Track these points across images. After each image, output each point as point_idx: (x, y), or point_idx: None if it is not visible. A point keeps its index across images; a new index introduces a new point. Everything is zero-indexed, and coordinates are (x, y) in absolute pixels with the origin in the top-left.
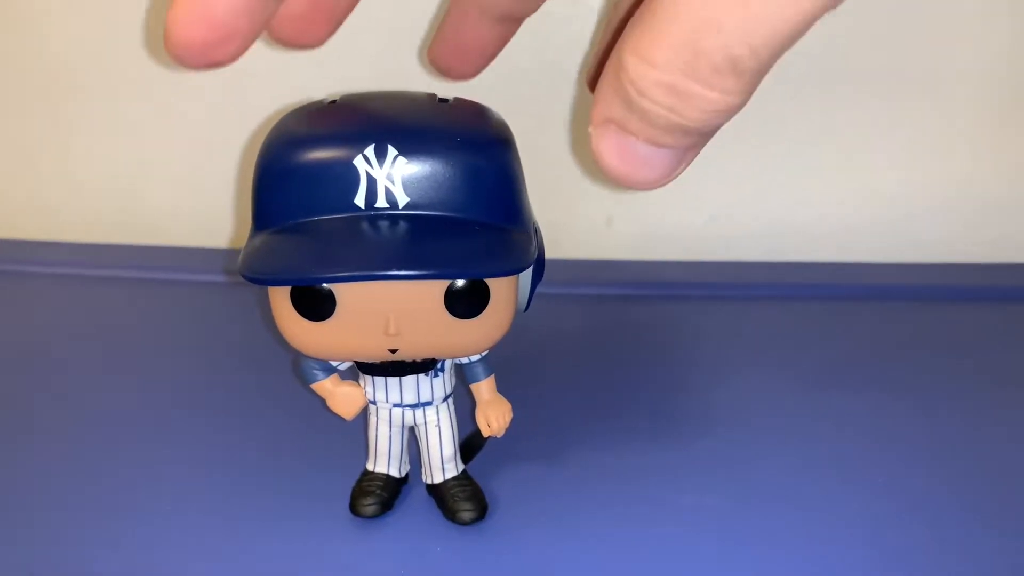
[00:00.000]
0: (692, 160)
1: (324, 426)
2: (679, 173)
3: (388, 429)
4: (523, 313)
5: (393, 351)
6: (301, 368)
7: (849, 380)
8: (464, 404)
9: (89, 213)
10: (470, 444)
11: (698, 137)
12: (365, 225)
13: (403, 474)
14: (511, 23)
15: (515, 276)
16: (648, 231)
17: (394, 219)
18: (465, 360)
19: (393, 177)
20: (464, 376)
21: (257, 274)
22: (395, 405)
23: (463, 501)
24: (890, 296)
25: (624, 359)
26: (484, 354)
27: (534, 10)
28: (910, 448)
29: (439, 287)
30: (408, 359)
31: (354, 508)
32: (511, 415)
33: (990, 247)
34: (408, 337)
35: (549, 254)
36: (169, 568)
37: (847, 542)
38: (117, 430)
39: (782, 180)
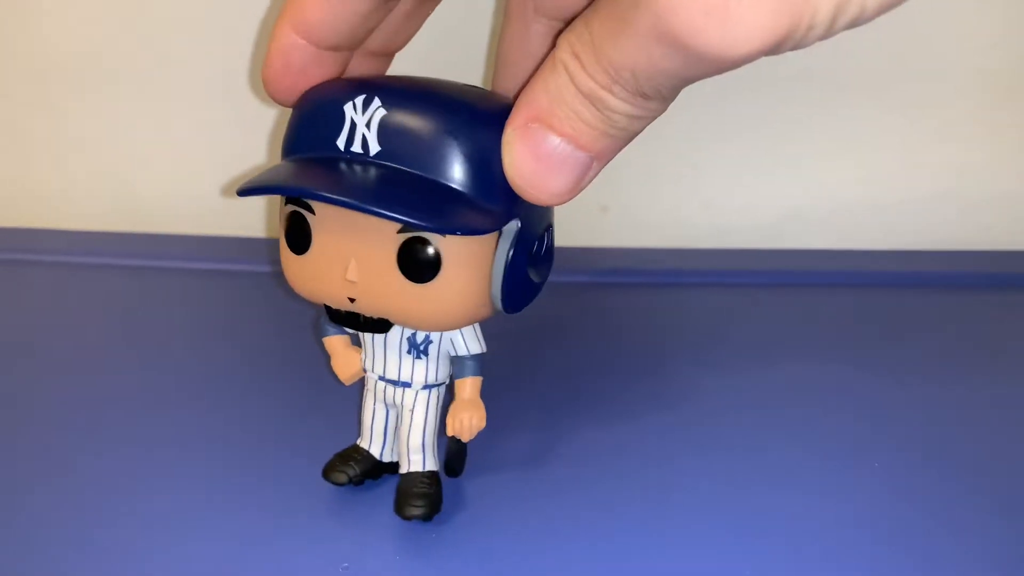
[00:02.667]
0: (591, 180)
1: (324, 414)
2: (580, 189)
3: (373, 402)
4: (507, 315)
5: (352, 300)
6: (320, 322)
7: (846, 367)
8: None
9: (85, 201)
10: (451, 453)
11: (611, 142)
12: (338, 164)
13: (387, 459)
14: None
15: (481, 258)
16: (642, 219)
17: (364, 164)
18: (455, 351)
19: (371, 125)
20: (454, 369)
21: (239, 188)
22: (380, 378)
23: (415, 497)
24: (886, 283)
25: (617, 346)
26: (476, 352)
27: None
28: (907, 433)
29: (393, 241)
30: (365, 313)
31: (325, 471)
32: (483, 424)
33: (986, 234)
34: (364, 287)
35: None
36: (166, 556)
37: (845, 528)
38: (113, 418)
39: (776, 168)
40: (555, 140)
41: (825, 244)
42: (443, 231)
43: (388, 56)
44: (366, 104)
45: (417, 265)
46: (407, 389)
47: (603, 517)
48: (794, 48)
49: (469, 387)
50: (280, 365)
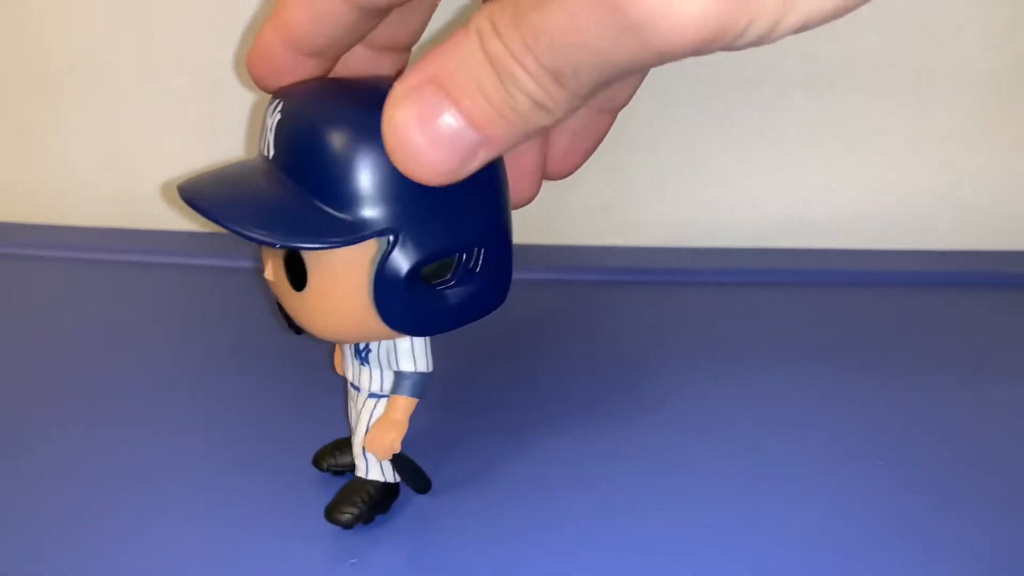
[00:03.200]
0: (473, 169)
1: (330, 409)
2: (458, 174)
3: (346, 399)
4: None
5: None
6: None
7: (844, 366)
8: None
9: (85, 197)
10: (396, 468)
11: (507, 128)
12: (246, 167)
13: None
14: (610, 114)
15: (357, 270)
16: (642, 218)
17: (264, 168)
18: (395, 365)
19: (270, 128)
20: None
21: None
22: (345, 378)
23: (344, 503)
24: (887, 283)
25: (617, 345)
26: (410, 371)
27: (629, 100)
28: (909, 433)
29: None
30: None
31: (315, 458)
32: (397, 447)
33: (988, 234)
34: (275, 287)
35: (544, 239)
36: (171, 550)
37: (845, 529)
38: (112, 412)
39: (777, 167)
40: (448, 109)
41: (826, 244)
42: (267, 243)
43: (400, 51)
44: (274, 108)
45: (291, 272)
46: (358, 393)
47: (607, 514)
48: (727, 48)
49: (396, 406)
50: (284, 360)
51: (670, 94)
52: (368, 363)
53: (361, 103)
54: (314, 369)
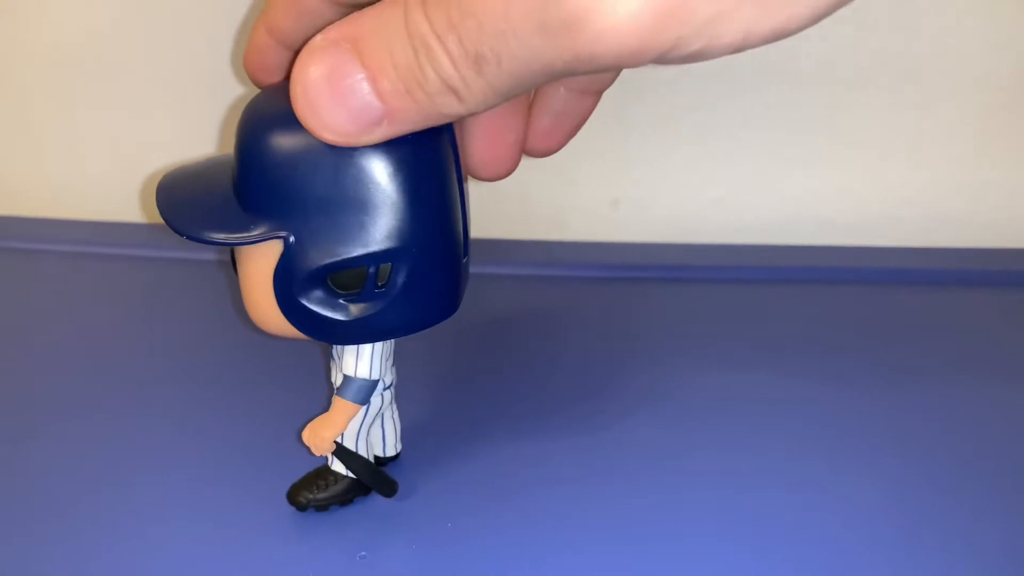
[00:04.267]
0: (373, 140)
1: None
2: (355, 139)
3: None
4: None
5: None
6: None
7: (855, 364)
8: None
9: (95, 191)
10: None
11: (410, 105)
12: (219, 165)
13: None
14: (593, 96)
15: (266, 268)
16: (654, 213)
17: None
18: (341, 367)
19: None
20: None
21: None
22: None
23: (304, 487)
24: (897, 280)
25: (627, 340)
26: (350, 374)
27: (612, 82)
28: (917, 432)
29: None
30: None
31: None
32: (324, 449)
33: (996, 231)
34: None
35: (556, 236)
36: (179, 542)
37: (848, 527)
38: (120, 405)
39: (788, 164)
40: (357, 71)
41: (834, 241)
42: (176, 231)
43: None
44: None
45: (234, 265)
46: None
47: (612, 508)
48: (661, 62)
49: (335, 406)
50: (291, 355)
51: (678, 91)
52: (335, 361)
53: (276, 108)
54: (325, 359)
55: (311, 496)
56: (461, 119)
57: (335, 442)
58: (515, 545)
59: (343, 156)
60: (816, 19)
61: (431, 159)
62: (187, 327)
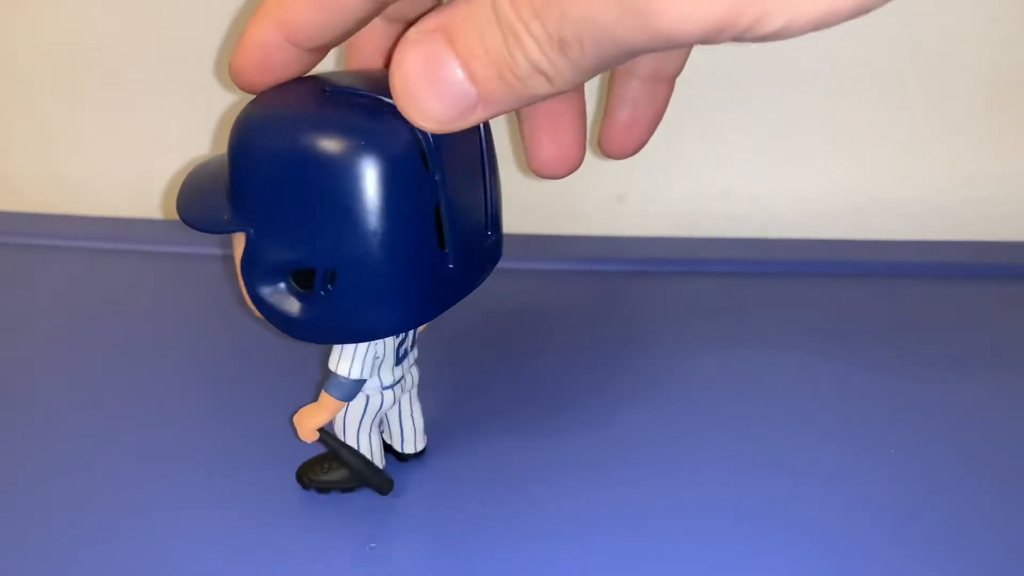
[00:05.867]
0: (471, 123)
1: None
2: (456, 124)
3: None
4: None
5: None
6: None
7: (860, 355)
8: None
9: (103, 187)
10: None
11: (503, 89)
12: None
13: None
14: (666, 83)
15: (238, 259)
16: (660, 208)
17: None
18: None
19: None
20: None
21: None
22: None
23: (309, 467)
24: (901, 273)
25: (633, 334)
26: (332, 369)
27: (682, 67)
28: (918, 423)
29: None
30: None
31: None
32: (304, 435)
33: (998, 224)
34: None
35: (563, 230)
36: (190, 534)
37: (852, 519)
38: (126, 399)
39: (794, 158)
40: (451, 59)
41: (843, 234)
42: (178, 215)
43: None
44: None
45: None
46: None
47: (619, 502)
48: (735, 40)
49: (320, 399)
50: (297, 349)
51: (687, 85)
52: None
53: (261, 112)
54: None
55: (313, 477)
56: (550, 97)
57: (326, 434)
58: (524, 536)
59: (304, 164)
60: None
61: (389, 179)
62: (193, 321)
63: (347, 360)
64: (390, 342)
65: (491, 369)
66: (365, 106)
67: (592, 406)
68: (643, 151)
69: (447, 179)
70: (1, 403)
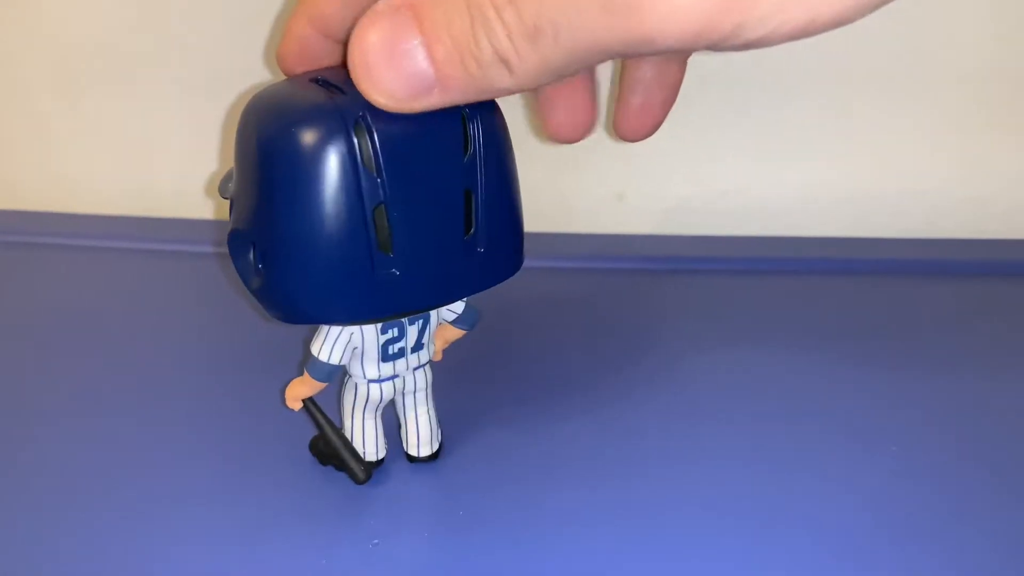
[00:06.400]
0: (425, 107)
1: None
2: (408, 105)
3: None
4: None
5: None
6: None
7: (859, 353)
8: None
9: (102, 186)
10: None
11: (462, 77)
12: None
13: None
14: (679, 63)
15: None
16: (659, 206)
17: None
18: None
19: None
20: None
21: None
22: None
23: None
24: (903, 270)
25: (632, 333)
26: (310, 349)
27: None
28: (917, 422)
29: None
30: None
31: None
32: (289, 403)
33: (998, 222)
34: None
35: (561, 228)
36: (192, 530)
37: (852, 519)
38: (125, 397)
39: (793, 155)
40: (414, 37)
41: (842, 232)
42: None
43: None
44: None
45: None
46: None
47: (620, 498)
48: (715, 48)
49: (303, 374)
50: (297, 344)
51: (686, 83)
52: None
53: (265, 92)
54: None
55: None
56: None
57: (312, 405)
58: (527, 532)
59: (249, 140)
60: (880, 5)
61: (311, 168)
62: (193, 319)
63: (319, 343)
64: (371, 336)
65: (489, 366)
66: (319, 95)
67: (592, 404)
68: (642, 149)
69: (395, 181)
70: (0, 401)
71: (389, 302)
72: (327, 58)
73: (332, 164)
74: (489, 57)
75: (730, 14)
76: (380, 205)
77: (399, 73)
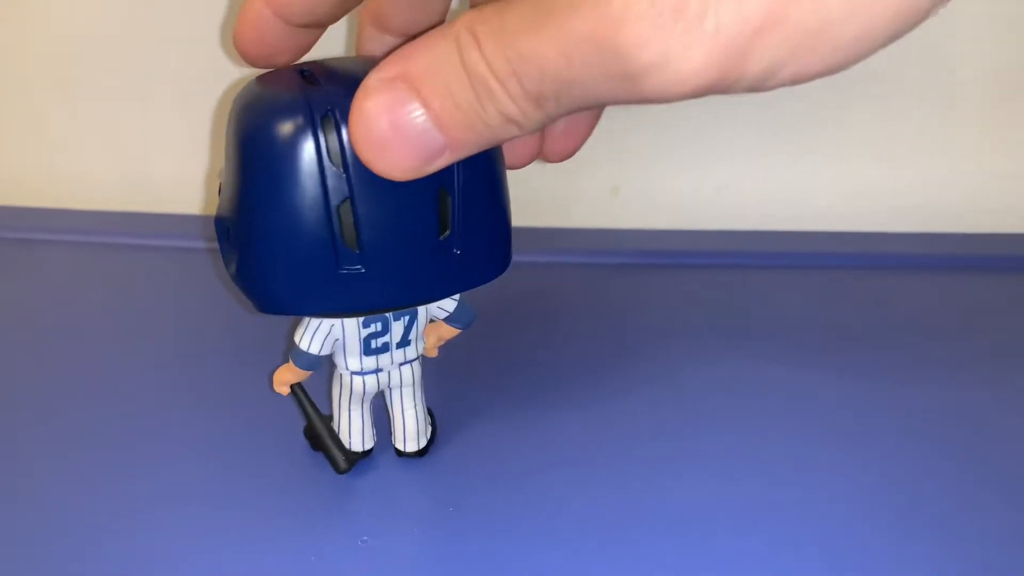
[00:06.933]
0: (435, 169)
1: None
2: (420, 173)
3: None
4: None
5: None
6: None
7: (856, 349)
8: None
9: (99, 181)
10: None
11: (473, 137)
12: None
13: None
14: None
15: None
16: (653, 201)
17: None
18: None
19: None
20: None
21: None
22: None
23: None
24: (895, 265)
25: (627, 328)
26: (295, 340)
27: None
28: (915, 419)
29: None
30: None
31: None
32: (276, 387)
33: (999, 217)
34: None
35: (555, 223)
36: (183, 529)
37: (848, 515)
38: (119, 396)
39: (789, 151)
40: (417, 109)
41: (838, 227)
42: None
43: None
44: None
45: None
46: None
47: (614, 497)
48: (719, 93)
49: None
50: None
51: None
52: None
53: (251, 86)
54: None
55: (306, 430)
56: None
57: (300, 391)
58: (518, 530)
59: (230, 124)
60: (861, 58)
61: (269, 157)
62: (189, 315)
63: (302, 332)
64: (352, 329)
65: (482, 362)
66: (294, 88)
67: (585, 399)
68: (637, 144)
69: (362, 178)
70: None
71: (355, 298)
72: (285, 43)
73: (296, 158)
74: (496, 120)
75: (725, 81)
76: (345, 201)
77: (408, 143)
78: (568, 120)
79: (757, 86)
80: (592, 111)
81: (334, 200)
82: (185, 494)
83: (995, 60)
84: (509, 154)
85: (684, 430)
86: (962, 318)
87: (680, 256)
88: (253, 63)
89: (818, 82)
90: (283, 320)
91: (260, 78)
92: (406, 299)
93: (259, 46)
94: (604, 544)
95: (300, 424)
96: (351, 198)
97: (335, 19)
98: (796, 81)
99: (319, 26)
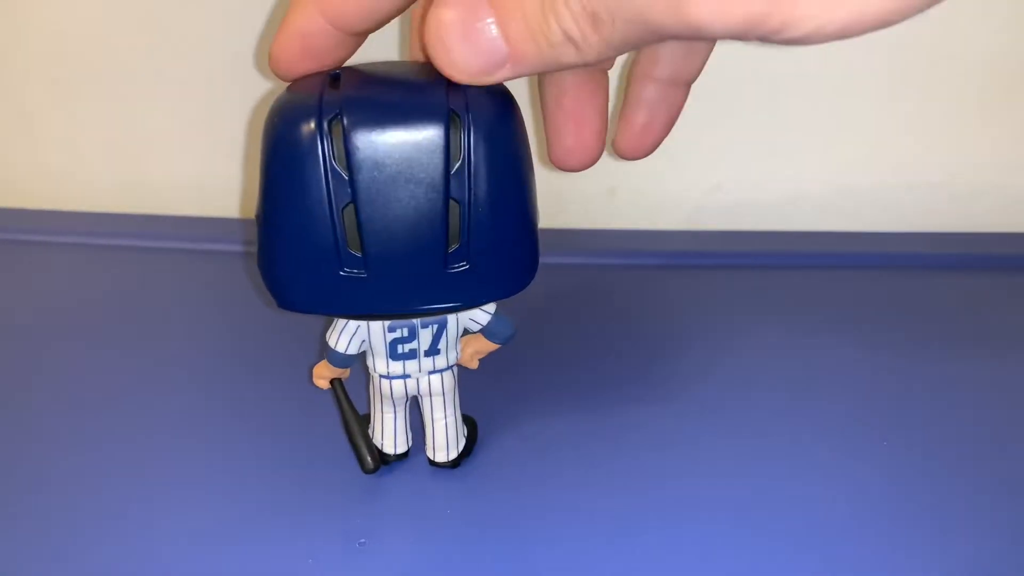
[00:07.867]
0: (496, 79)
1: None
2: (480, 78)
3: None
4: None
5: None
6: None
7: (854, 347)
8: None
9: (93, 182)
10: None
11: (534, 51)
12: None
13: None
14: (683, 87)
15: None
16: (650, 201)
17: None
18: None
19: None
20: None
21: None
22: None
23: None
24: (894, 264)
25: (625, 328)
26: (327, 340)
27: (700, 71)
28: (913, 416)
29: None
30: None
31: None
32: (315, 381)
33: (993, 216)
34: None
35: (552, 223)
36: (181, 529)
37: (851, 511)
38: (116, 398)
39: (785, 150)
40: (488, 15)
41: (835, 226)
42: None
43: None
44: None
45: None
46: None
47: (614, 499)
48: (765, 40)
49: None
50: (293, 343)
51: None
52: None
53: (288, 91)
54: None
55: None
56: (576, 67)
57: (339, 387)
58: (517, 533)
59: (266, 128)
60: (924, 8)
61: (283, 159)
62: (185, 316)
63: (333, 332)
64: (377, 332)
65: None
66: (313, 90)
67: (581, 401)
68: None
69: (368, 183)
70: None
71: (356, 301)
72: (333, 53)
73: (301, 159)
74: (559, 36)
75: (773, 14)
76: (349, 204)
77: (474, 48)
78: (647, 114)
79: (814, 29)
80: (668, 110)
81: (338, 203)
82: (184, 495)
83: (995, 60)
84: (573, 141)
85: (680, 427)
86: (962, 318)
87: (677, 256)
88: (285, 76)
89: (815, 82)
90: (280, 321)
91: (294, 83)
92: (407, 307)
93: (302, 58)
94: (611, 547)
95: (300, 426)
96: (355, 202)
97: (386, 23)
98: (845, 32)
99: (368, 33)
